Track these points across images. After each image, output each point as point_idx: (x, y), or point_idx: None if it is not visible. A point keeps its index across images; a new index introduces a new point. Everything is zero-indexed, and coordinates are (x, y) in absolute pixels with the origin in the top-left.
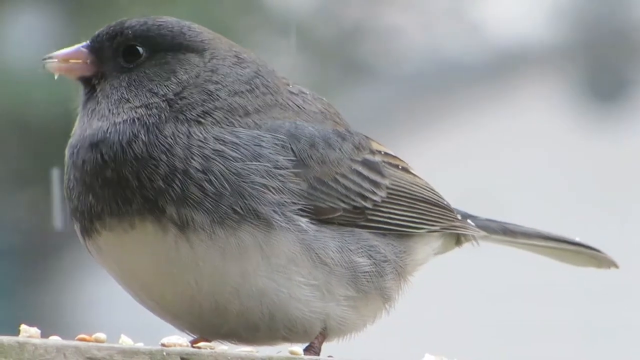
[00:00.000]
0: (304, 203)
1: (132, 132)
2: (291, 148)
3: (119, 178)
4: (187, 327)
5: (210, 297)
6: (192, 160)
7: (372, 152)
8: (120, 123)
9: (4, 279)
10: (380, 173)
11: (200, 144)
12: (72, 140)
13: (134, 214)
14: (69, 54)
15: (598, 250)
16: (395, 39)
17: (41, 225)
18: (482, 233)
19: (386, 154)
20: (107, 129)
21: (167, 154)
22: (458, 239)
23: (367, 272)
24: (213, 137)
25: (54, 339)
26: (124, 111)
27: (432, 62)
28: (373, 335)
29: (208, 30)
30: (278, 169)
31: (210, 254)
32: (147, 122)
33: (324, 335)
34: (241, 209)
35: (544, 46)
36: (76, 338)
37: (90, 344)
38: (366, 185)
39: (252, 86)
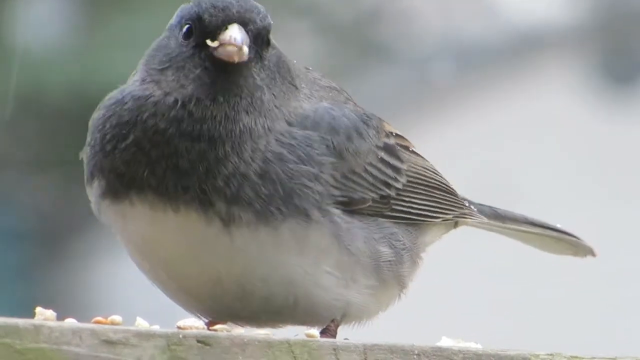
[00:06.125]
0: (339, 195)
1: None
2: (332, 145)
3: (191, 167)
4: (205, 309)
5: (237, 283)
6: (253, 163)
7: (387, 134)
8: (269, 117)
9: (20, 262)
10: (398, 158)
11: (264, 144)
12: (169, 112)
13: (183, 201)
14: (246, 39)
15: (578, 238)
16: (413, 21)
17: (57, 208)
18: (485, 219)
19: (397, 135)
20: (249, 128)
21: (238, 155)
22: (456, 223)
23: (389, 260)
24: (274, 139)
25: (70, 322)
26: (280, 107)
27: (449, 45)
28: (389, 318)
29: None
30: (323, 170)
31: (248, 247)
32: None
33: (339, 320)
34: (287, 208)
35: (561, 28)
36: (92, 321)
37: (106, 326)
38: (389, 172)
39: (302, 72)
